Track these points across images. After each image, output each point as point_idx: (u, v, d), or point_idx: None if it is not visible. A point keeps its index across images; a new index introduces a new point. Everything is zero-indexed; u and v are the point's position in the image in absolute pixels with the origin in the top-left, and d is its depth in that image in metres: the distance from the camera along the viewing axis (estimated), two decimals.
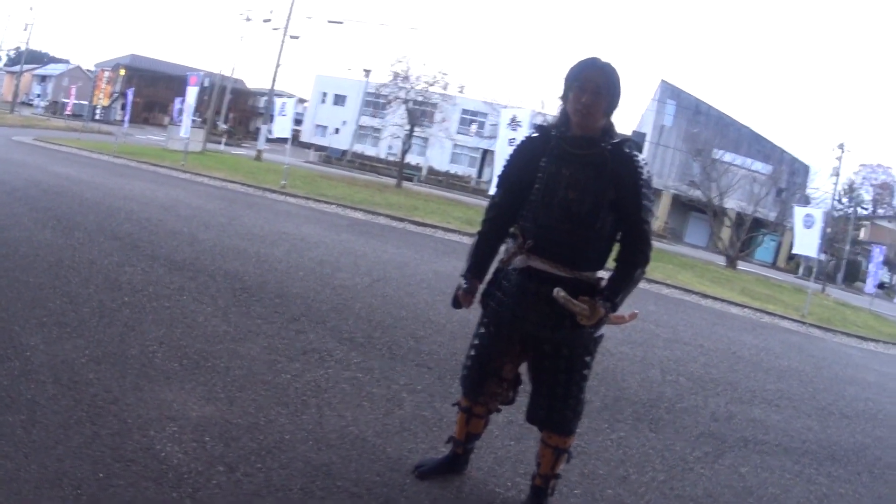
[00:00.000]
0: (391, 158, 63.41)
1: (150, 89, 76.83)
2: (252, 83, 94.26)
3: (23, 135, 35.31)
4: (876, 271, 34.52)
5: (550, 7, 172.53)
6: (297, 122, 42.14)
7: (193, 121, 32.47)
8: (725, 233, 44.16)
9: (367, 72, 67.97)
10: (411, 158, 51.98)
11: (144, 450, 3.86)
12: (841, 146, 52.79)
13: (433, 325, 8.36)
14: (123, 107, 54.02)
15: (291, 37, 49.54)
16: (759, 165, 52.52)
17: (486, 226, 4.07)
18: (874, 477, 6.55)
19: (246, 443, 4.24)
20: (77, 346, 5.24)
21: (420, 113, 43.79)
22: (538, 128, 3.98)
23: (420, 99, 42.90)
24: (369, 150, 72.52)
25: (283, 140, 31.58)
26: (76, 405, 4.21)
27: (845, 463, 6.72)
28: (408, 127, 42.81)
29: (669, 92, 63.37)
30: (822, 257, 38.56)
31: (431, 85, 42.49)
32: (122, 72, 71.64)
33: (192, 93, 31.01)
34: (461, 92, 47.79)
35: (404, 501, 3.97)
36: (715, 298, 19.29)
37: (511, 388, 4.17)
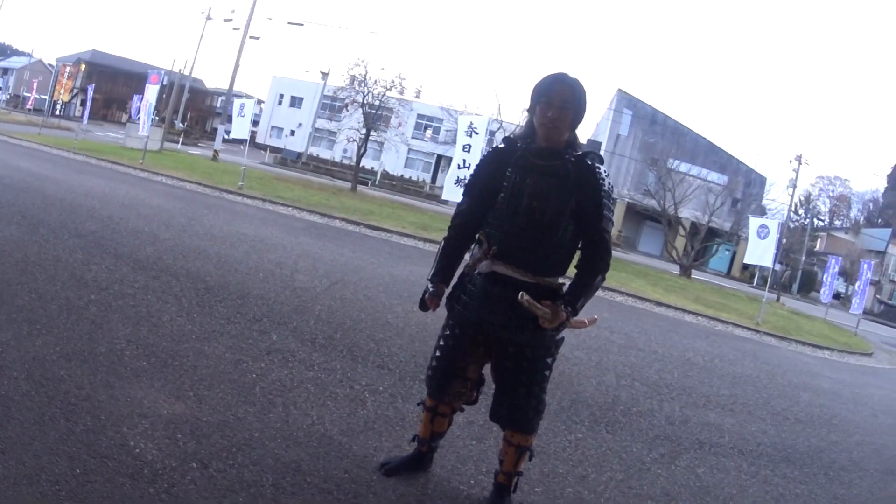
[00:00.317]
0: (346, 162, 63.13)
1: (110, 86, 75.63)
2: (210, 83, 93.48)
3: None
4: (831, 282, 34.91)
5: (509, 15, 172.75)
6: (254, 123, 42.02)
7: (152, 119, 32.12)
8: (680, 242, 44.28)
9: (325, 74, 67.60)
10: (366, 162, 51.86)
11: (119, 446, 3.87)
12: (798, 158, 53.27)
13: (392, 327, 8.41)
14: (83, 103, 53.21)
15: (251, 37, 49.06)
16: (714, 176, 53.13)
17: (452, 232, 4.17)
18: (830, 479, 6.68)
19: (217, 440, 4.27)
20: (47, 343, 5.21)
21: (376, 117, 43.66)
22: (505, 139, 4.06)
23: (377, 103, 42.80)
24: (324, 153, 72.10)
25: (240, 141, 31.39)
26: (50, 402, 4.20)
27: (801, 465, 6.87)
28: (364, 131, 42.70)
29: (626, 101, 63.21)
30: (777, 267, 38.93)
31: (389, 89, 42.43)
32: (83, 67, 70.65)
33: (152, 91, 30.66)
34: (417, 97, 47.84)
35: (372, 498, 4.03)
36: (669, 306, 19.49)
37: (475, 388, 4.25)
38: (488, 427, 5.36)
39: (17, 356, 4.85)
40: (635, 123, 62.51)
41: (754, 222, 23.37)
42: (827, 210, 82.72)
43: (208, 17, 51.88)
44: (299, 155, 67.40)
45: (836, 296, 49.37)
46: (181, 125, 64.55)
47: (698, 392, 9.08)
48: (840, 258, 38.52)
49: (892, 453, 8.37)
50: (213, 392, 5.04)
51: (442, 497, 4.27)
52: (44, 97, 63.11)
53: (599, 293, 18.46)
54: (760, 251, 22.61)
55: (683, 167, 48.51)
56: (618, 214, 60.32)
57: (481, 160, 4.11)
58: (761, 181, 60.01)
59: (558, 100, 3.73)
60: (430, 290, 4.11)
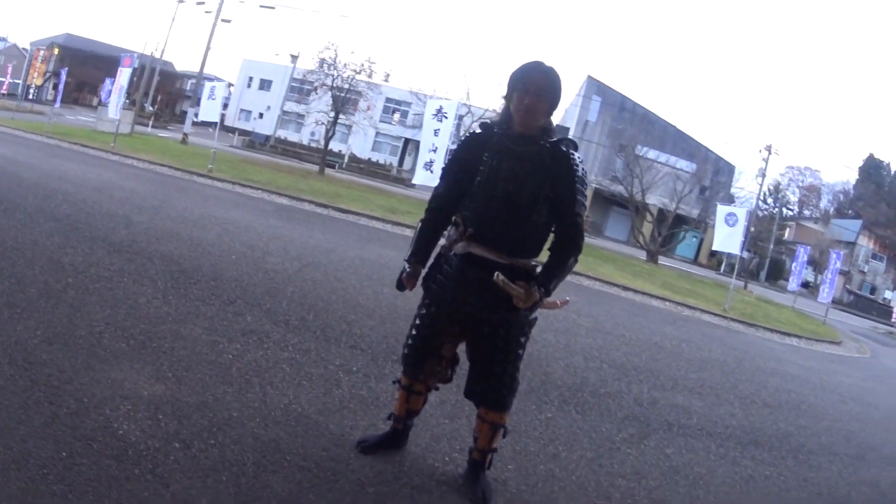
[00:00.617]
0: (314, 145, 62.68)
1: (82, 69, 74.10)
2: (181, 66, 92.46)
3: None
4: (800, 270, 34.66)
5: (479, 0, 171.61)
6: (224, 105, 41.62)
7: (123, 103, 31.74)
8: (647, 228, 43.95)
9: (295, 58, 67.04)
10: (333, 145, 51.48)
11: (103, 428, 3.86)
12: (768, 148, 53.31)
13: (363, 309, 8.42)
14: (55, 87, 52.41)
15: (223, 20, 48.52)
16: (683, 163, 52.60)
17: (429, 214, 4.19)
18: (799, 462, 6.73)
19: (197, 420, 4.27)
20: (28, 328, 5.16)
21: (345, 100, 43.42)
22: (482, 125, 4.10)
23: (346, 87, 42.54)
24: (292, 136, 71.47)
25: (209, 123, 31.07)
26: (33, 386, 4.17)
27: (769, 448, 6.91)
28: (332, 114, 42.45)
29: (595, 88, 62.86)
30: (745, 255, 39.01)
31: (358, 73, 42.19)
32: (57, 51, 69.55)
33: (124, 74, 30.24)
34: (386, 81, 47.43)
35: (351, 475, 4.06)
36: (636, 291, 19.48)
37: (449, 367, 4.29)
38: (461, 406, 5.43)
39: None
40: (604, 110, 62.14)
41: (722, 210, 23.17)
42: (796, 200, 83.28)
43: (180, 0, 51.33)
44: (267, 138, 66.83)
45: (805, 285, 49.44)
46: (151, 108, 63.78)
47: (666, 375, 9.13)
48: (809, 247, 38.22)
49: (861, 439, 8.44)
50: (191, 373, 5.04)
51: (418, 474, 4.30)
52: (17, 81, 62.09)
53: (567, 277, 18.67)
54: (728, 239, 22.38)
55: (652, 154, 48.12)
56: (587, 199, 60.32)
57: (459, 145, 4.15)
58: (730, 169, 59.91)
59: (534, 87, 3.77)
60: (408, 270, 4.14)
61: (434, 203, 4.18)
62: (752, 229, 45.56)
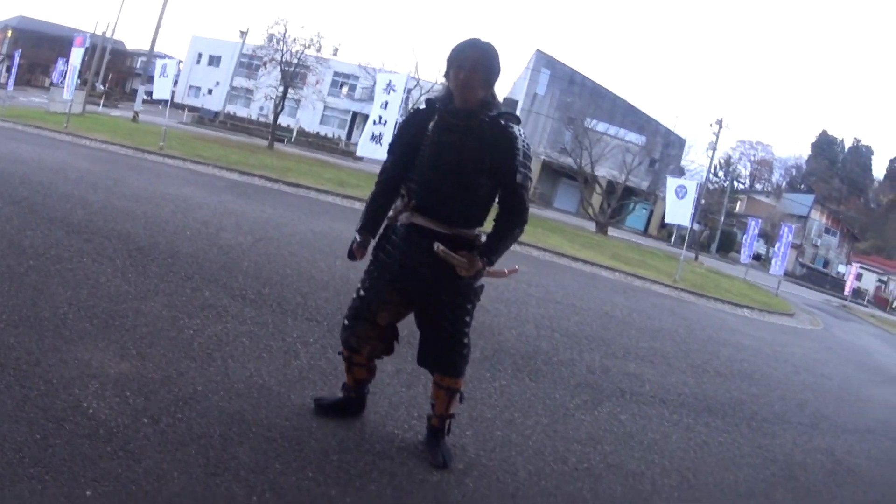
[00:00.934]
0: (262, 119, 61.88)
1: (35, 51, 71.90)
2: (131, 44, 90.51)
3: None
4: (751, 243, 34.77)
5: None
6: (174, 83, 40.77)
7: (75, 83, 31.05)
8: (596, 200, 44.05)
9: (244, 33, 66.00)
10: (282, 120, 50.80)
11: (73, 408, 3.84)
12: (719, 122, 53.45)
13: (317, 281, 8.42)
14: (8, 69, 50.97)
15: None
16: (632, 136, 52.52)
17: (377, 187, 4.24)
18: (753, 429, 6.79)
19: (164, 395, 4.27)
20: None
21: (294, 75, 42.95)
22: (426, 101, 4.15)
23: (295, 61, 42.07)
24: (241, 112, 70.41)
25: (159, 101, 30.54)
26: (2, 370, 4.12)
27: (723, 416, 7.00)
28: (281, 89, 41.98)
29: (544, 61, 62.53)
30: (696, 227, 39.13)
31: (307, 48, 41.74)
32: (10, 33, 67.64)
33: (76, 54, 29.45)
34: (335, 55, 46.94)
35: (314, 444, 4.11)
36: (585, 262, 19.46)
37: (387, 339, 4.32)
38: (416, 374, 5.46)
39: None
40: (553, 83, 61.75)
41: (672, 182, 23.15)
42: (748, 174, 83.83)
43: None
44: (216, 114, 65.84)
45: (757, 257, 49.59)
46: (102, 87, 62.41)
47: (617, 343, 9.17)
48: (760, 220, 38.35)
49: (814, 408, 8.51)
50: (154, 349, 5.02)
51: (380, 441, 4.36)
52: None
53: (515, 248, 18.49)
54: (678, 211, 22.38)
55: (601, 127, 48.21)
56: (534, 171, 59.80)
57: (404, 121, 4.21)
58: (680, 143, 59.61)
59: (468, 63, 3.81)
60: (358, 240, 4.20)
61: (382, 176, 4.23)
62: (703, 202, 45.82)
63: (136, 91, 51.82)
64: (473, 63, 3.81)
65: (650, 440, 5.67)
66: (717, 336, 12.65)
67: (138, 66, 78.90)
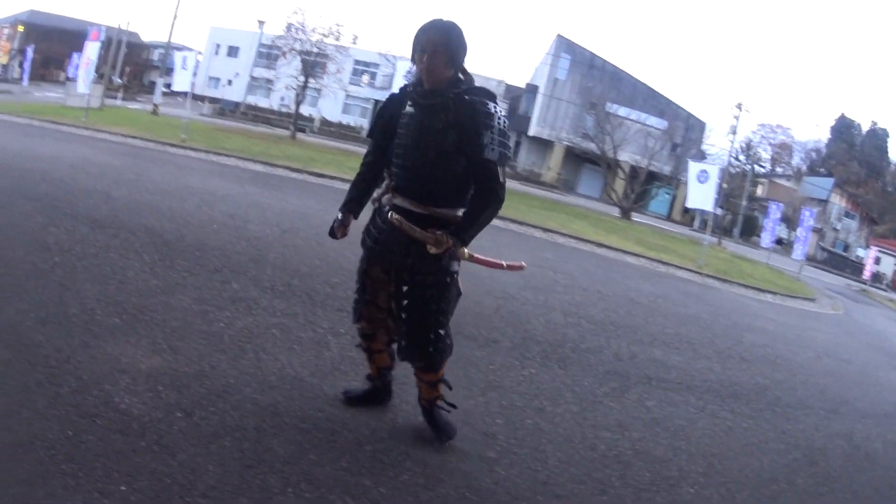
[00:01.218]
0: (283, 110, 62.03)
1: (47, 45, 72.14)
2: (147, 36, 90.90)
3: None
4: (773, 227, 34.42)
5: None
6: (193, 74, 40.71)
7: (92, 76, 31.28)
8: (619, 185, 44.00)
9: (262, 23, 66.20)
10: (304, 110, 50.88)
11: (104, 404, 3.88)
12: (739, 105, 53.60)
13: (345, 271, 8.39)
14: (21, 64, 51.40)
15: None
16: (654, 120, 52.35)
17: (361, 168, 4.36)
18: (776, 414, 6.85)
19: (196, 389, 4.32)
20: (20, 310, 5.12)
21: (314, 64, 43.01)
22: (400, 87, 4.20)
23: (314, 51, 42.14)
24: (262, 102, 70.60)
25: (178, 93, 30.72)
26: (32, 368, 4.17)
27: (747, 401, 7.02)
28: (302, 78, 42.08)
29: (565, 46, 62.24)
30: (718, 212, 38.94)
31: (326, 37, 41.80)
32: (21, 28, 68.27)
33: (92, 48, 29.70)
34: (354, 43, 46.85)
35: (347, 434, 4.16)
36: (610, 248, 19.40)
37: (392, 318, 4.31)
38: (449, 362, 5.49)
39: None
40: (574, 68, 61.53)
41: (694, 167, 23.10)
42: (768, 157, 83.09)
43: None
44: (237, 105, 66.15)
45: (779, 241, 48.97)
46: (120, 80, 62.86)
47: (644, 330, 9.20)
48: (782, 204, 38.06)
49: (835, 393, 8.51)
50: (185, 343, 5.07)
51: (412, 430, 4.42)
52: None
53: (539, 234, 19.08)
54: (701, 195, 22.32)
55: (622, 111, 48.29)
56: (556, 157, 60.34)
57: (381, 105, 4.27)
58: (701, 126, 59.85)
59: (430, 45, 3.82)
60: (339, 219, 4.28)
61: (365, 159, 4.34)
62: (725, 186, 45.58)
63: (153, 83, 52.13)
64: (435, 45, 3.82)
65: (677, 426, 5.72)
66: (741, 321, 12.64)
67: (156, 58, 79.30)
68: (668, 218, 58.80)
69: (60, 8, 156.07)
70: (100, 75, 44.03)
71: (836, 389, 8.78)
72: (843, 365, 10.95)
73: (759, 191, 73.13)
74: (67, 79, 43.16)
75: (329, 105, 64.30)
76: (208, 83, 77.10)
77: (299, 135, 43.36)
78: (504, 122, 3.91)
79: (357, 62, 65.78)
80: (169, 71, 33.99)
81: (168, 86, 36.76)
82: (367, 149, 4.34)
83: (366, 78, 68.87)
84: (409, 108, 3.98)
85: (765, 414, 6.75)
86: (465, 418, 4.74)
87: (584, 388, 6.13)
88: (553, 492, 4.11)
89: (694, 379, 7.36)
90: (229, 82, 76.16)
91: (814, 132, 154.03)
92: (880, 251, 62.03)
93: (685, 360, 8.08)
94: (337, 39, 42.73)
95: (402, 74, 20.89)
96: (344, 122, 66.74)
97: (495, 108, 3.89)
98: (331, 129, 60.44)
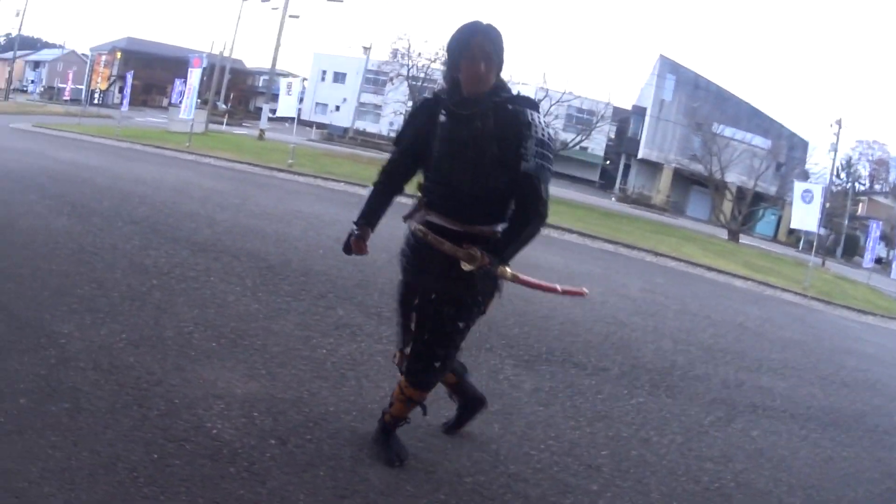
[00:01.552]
0: (392, 135, 63.05)
1: (147, 71, 75.80)
2: (250, 62, 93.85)
3: (20, 121, 35.31)
4: (873, 246, 34.36)
5: None
6: (299, 100, 41.47)
7: (195, 102, 32.37)
8: (727, 206, 44.63)
9: (367, 49, 67.50)
10: None
11: (195, 428, 3.89)
12: (838, 122, 52.59)
13: None
14: (121, 90, 53.49)
15: (291, 16, 49.21)
16: (758, 140, 53.38)
17: (381, 178, 4.16)
18: (874, 442, 6.79)
19: (293, 416, 4.30)
20: (113, 331, 5.22)
21: (422, 89, 43.57)
22: (433, 93, 4.03)
23: (421, 75, 42.73)
24: (370, 127, 72.10)
25: (283, 119, 31.46)
26: (121, 389, 4.21)
27: (847, 428, 6.97)
28: (409, 103, 42.66)
29: (668, 66, 63.56)
30: (822, 232, 38.28)
31: (433, 62, 42.36)
32: (119, 55, 71.28)
33: (195, 74, 30.99)
34: None
35: (447, 465, 4.14)
36: (719, 271, 19.76)
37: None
38: (554, 393, 5.71)
39: (83, 346, 4.86)
40: (678, 88, 62.85)
41: (799, 186, 23.66)
42: (867, 174, 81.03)
43: None
44: (345, 130, 67.57)
45: (878, 260, 49.21)
46: (224, 106, 64.90)
47: (751, 356, 9.21)
48: (881, 223, 37.97)
49: None
50: (285, 369, 5.07)
51: (515, 462, 4.40)
52: (80, 87, 63.72)
53: (652, 259, 19.34)
54: (806, 215, 22.88)
55: (728, 131, 48.94)
56: (665, 179, 61.73)
57: (411, 112, 4.14)
58: (804, 145, 60.05)
59: (481, 52, 3.64)
60: (356, 232, 4.14)
61: (388, 167, 4.15)
62: (828, 205, 44.79)
63: (259, 109, 53.57)
64: (485, 52, 3.65)
65: (779, 457, 5.68)
66: (842, 345, 12.66)
67: (260, 84, 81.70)
68: (774, 239, 59.27)
69: (157, 35, 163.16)
70: (203, 101, 45.50)
71: None
72: None
73: (860, 209, 71.47)
74: (170, 104, 44.75)
75: None
76: (315, 109, 79.18)
77: None
78: (546, 133, 3.74)
79: None
80: (274, 97, 34.82)
81: (273, 111, 37.71)
82: (390, 157, 4.17)
83: None
84: (443, 118, 3.81)
85: (863, 442, 6.70)
86: (569, 450, 4.75)
87: (691, 417, 6.15)
88: None
89: (798, 406, 7.35)
90: (337, 108, 78.05)
91: None
92: None
93: (790, 387, 8.10)
94: (443, 64, 43.28)
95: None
96: None
97: (536, 117, 3.72)
98: None
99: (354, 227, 4.15)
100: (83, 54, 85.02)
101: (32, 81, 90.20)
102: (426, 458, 4.13)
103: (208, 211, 11.90)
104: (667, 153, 58.72)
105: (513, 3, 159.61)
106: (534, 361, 6.61)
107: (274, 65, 50.42)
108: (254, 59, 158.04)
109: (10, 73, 73.22)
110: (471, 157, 3.70)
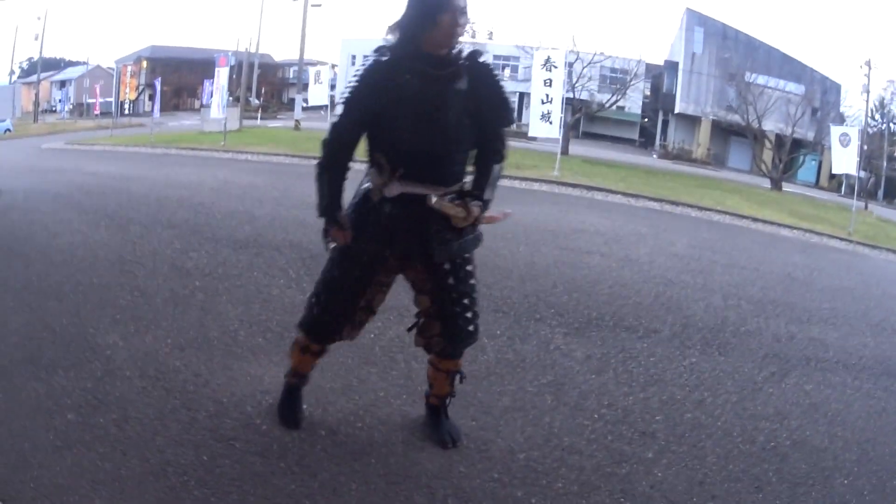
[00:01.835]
0: None
1: (175, 76, 76.27)
2: (278, 55, 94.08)
3: (52, 141, 35.91)
4: None
5: None
6: (330, 87, 41.40)
7: (227, 100, 32.54)
8: (767, 155, 44.23)
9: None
10: None
11: (244, 426, 3.93)
12: (868, 63, 51.54)
13: (500, 270, 8.35)
14: (151, 97, 53.90)
15: (313, 5, 49.21)
16: (791, 86, 52.47)
17: (337, 153, 3.84)
18: None
19: (343, 404, 4.34)
20: (157, 337, 5.28)
21: None
22: (382, 52, 3.68)
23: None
24: None
25: (318, 108, 31.53)
26: (168, 394, 4.26)
27: None
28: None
29: (696, 19, 62.89)
30: (862, 175, 37.71)
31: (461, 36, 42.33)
32: (145, 64, 71.84)
33: (222, 73, 31.17)
34: (490, 38, 47.23)
35: (500, 442, 4.16)
36: (765, 221, 19.59)
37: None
38: (606, 360, 5.72)
39: (128, 356, 4.91)
40: (708, 40, 62.15)
41: (835, 130, 23.45)
42: None
43: None
44: None
45: None
46: (256, 101, 65.15)
47: (801, 307, 9.08)
48: None
49: None
50: (332, 358, 4.99)
51: (569, 434, 4.40)
52: (109, 100, 64.29)
53: (696, 213, 19.31)
54: (845, 159, 22.69)
55: (761, 79, 48.60)
56: (704, 132, 61.20)
57: (361, 74, 3.67)
58: (837, 88, 58.89)
59: (461, 6, 3.51)
60: (337, 222, 3.83)
61: (340, 140, 3.79)
62: (865, 148, 44.12)
63: (292, 100, 53.60)
64: (465, 6, 3.53)
65: (833, 411, 5.59)
66: (891, 290, 12.34)
67: (291, 75, 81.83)
68: (817, 185, 58.39)
69: (179, 40, 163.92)
70: (235, 98, 45.71)
71: None
72: None
73: None
74: (202, 105, 44.98)
75: None
76: None
77: None
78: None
79: (496, 57, 66.21)
80: (306, 87, 34.92)
81: (305, 101, 37.83)
82: (339, 128, 3.76)
83: (507, 72, 69.29)
84: (409, 80, 3.54)
85: None
86: (623, 417, 4.76)
87: (744, 374, 6.09)
88: (709, 492, 3.99)
89: (850, 356, 7.18)
90: None
91: None
92: None
93: (841, 337, 7.92)
94: (472, 37, 43.22)
95: (539, 64, 20.88)
96: None
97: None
98: None
99: (330, 216, 3.86)
100: (108, 68, 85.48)
101: (60, 101, 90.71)
102: (479, 436, 4.13)
103: (247, 207, 11.97)
104: (703, 106, 58.20)
105: None
106: (584, 328, 6.58)
107: (301, 55, 50.49)
108: (282, 51, 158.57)
109: (37, 94, 73.87)
110: (450, 119, 3.58)
